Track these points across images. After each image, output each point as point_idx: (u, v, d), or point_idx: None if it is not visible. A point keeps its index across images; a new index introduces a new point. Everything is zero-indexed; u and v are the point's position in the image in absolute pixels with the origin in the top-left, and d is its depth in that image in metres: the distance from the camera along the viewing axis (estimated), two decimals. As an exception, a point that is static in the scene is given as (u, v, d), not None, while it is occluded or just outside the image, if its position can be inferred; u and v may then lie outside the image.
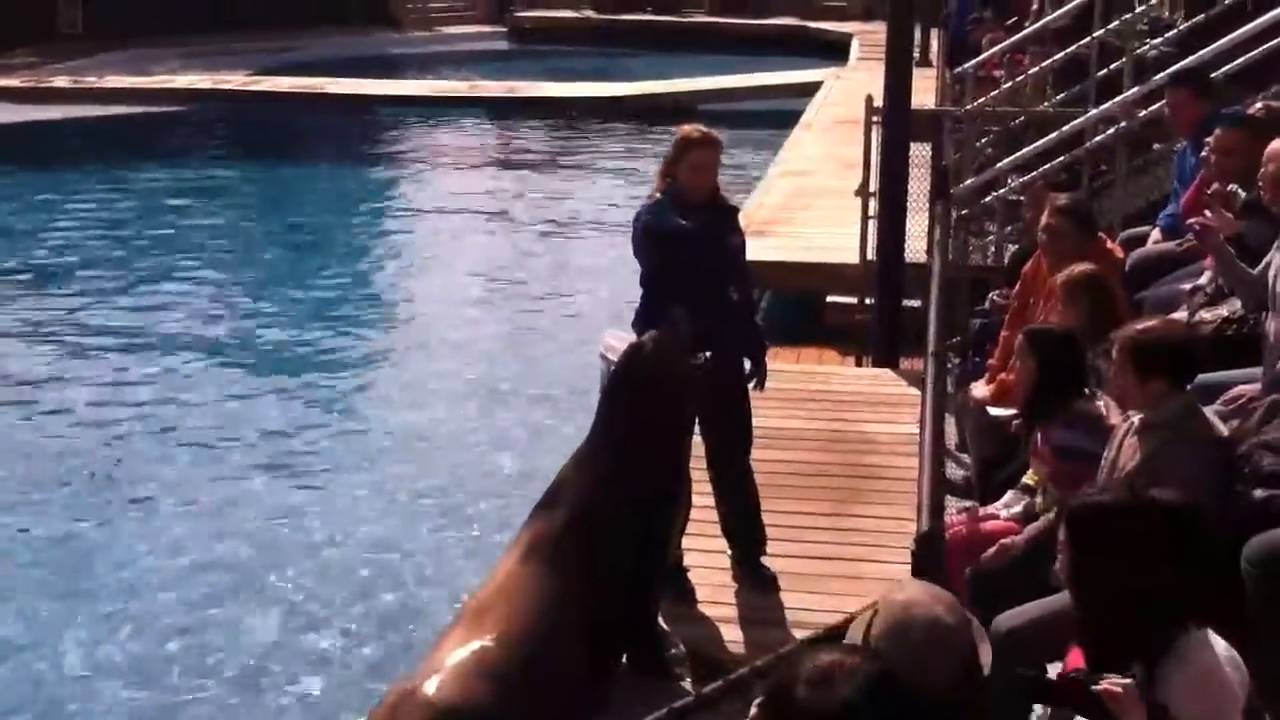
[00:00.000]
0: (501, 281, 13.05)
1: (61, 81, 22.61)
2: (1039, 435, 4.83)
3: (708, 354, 5.08)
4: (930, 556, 3.55)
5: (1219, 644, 3.05)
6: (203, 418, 9.58)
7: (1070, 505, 3.27)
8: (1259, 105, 6.80)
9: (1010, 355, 5.80)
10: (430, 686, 4.42)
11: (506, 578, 4.87)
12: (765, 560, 5.82)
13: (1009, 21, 13.20)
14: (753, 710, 2.51)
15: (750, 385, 5.77)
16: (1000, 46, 11.37)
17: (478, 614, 4.76)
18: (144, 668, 6.50)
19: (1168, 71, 7.89)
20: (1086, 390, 4.89)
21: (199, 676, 6.39)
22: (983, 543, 4.74)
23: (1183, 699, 2.98)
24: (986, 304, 7.35)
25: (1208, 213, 5.80)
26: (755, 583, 5.77)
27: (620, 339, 5.85)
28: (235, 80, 22.99)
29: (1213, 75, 7.69)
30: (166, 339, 11.41)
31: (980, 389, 6.24)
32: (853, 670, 2.38)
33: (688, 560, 5.69)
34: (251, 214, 16.30)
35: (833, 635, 3.27)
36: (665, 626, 5.37)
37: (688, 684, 4.95)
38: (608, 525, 4.89)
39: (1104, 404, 4.79)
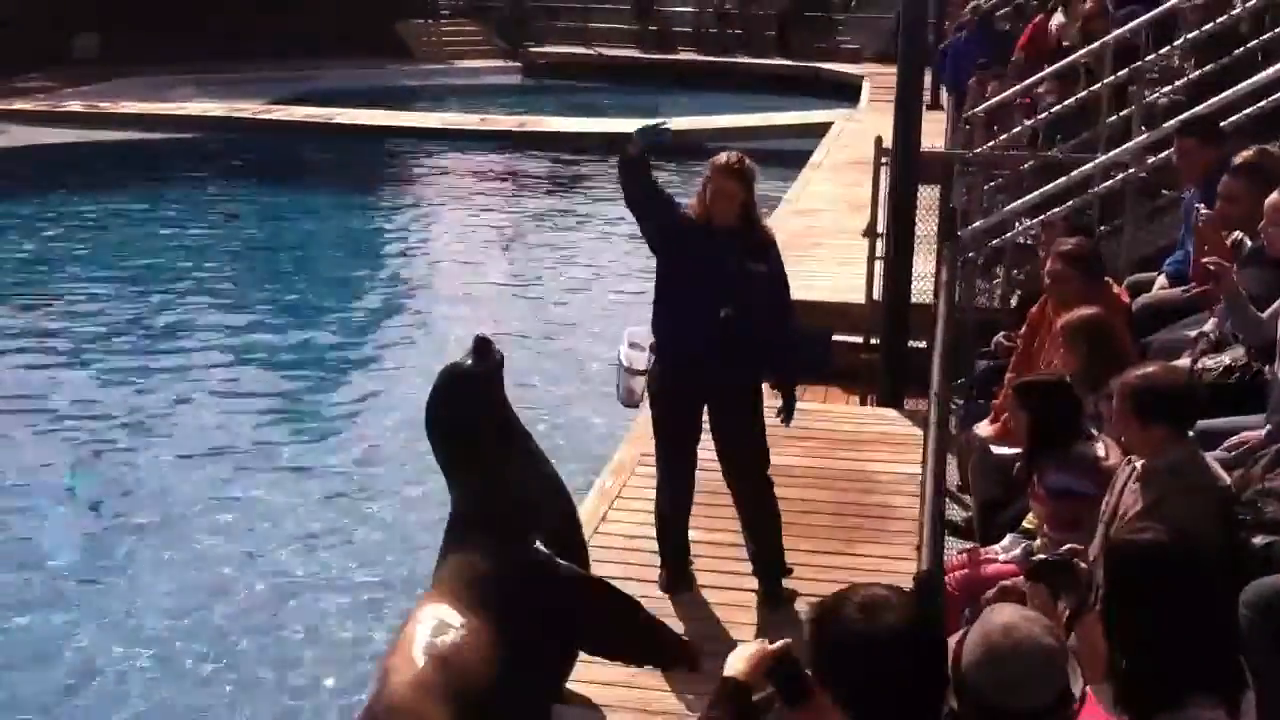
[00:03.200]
0: (507, 313, 13.08)
1: (75, 105, 22.74)
2: (1035, 478, 4.83)
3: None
4: (929, 596, 3.53)
5: None
6: (202, 442, 9.61)
7: (1112, 543, 3.21)
8: (1252, 151, 6.75)
9: None
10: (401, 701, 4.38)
11: (440, 592, 4.84)
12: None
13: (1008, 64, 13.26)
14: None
15: (778, 416, 5.96)
16: (1010, 91, 11.40)
17: (423, 625, 4.70)
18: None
19: (1177, 119, 7.90)
20: (1083, 433, 4.88)
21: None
22: (984, 585, 4.71)
23: None
24: (992, 346, 7.35)
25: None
26: (771, 604, 5.87)
27: (639, 337, 5.91)
28: (249, 109, 23.11)
29: (1222, 124, 7.70)
30: (175, 364, 11.45)
31: (985, 428, 6.23)
32: (899, 603, 2.50)
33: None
34: (261, 242, 16.34)
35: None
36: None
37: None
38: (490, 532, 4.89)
39: (1102, 445, 4.78)
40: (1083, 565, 3.33)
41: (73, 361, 11.42)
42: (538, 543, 5.06)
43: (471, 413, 5.04)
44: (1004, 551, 4.96)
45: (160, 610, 7.24)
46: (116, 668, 6.71)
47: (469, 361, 5.07)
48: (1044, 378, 5.24)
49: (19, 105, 22.56)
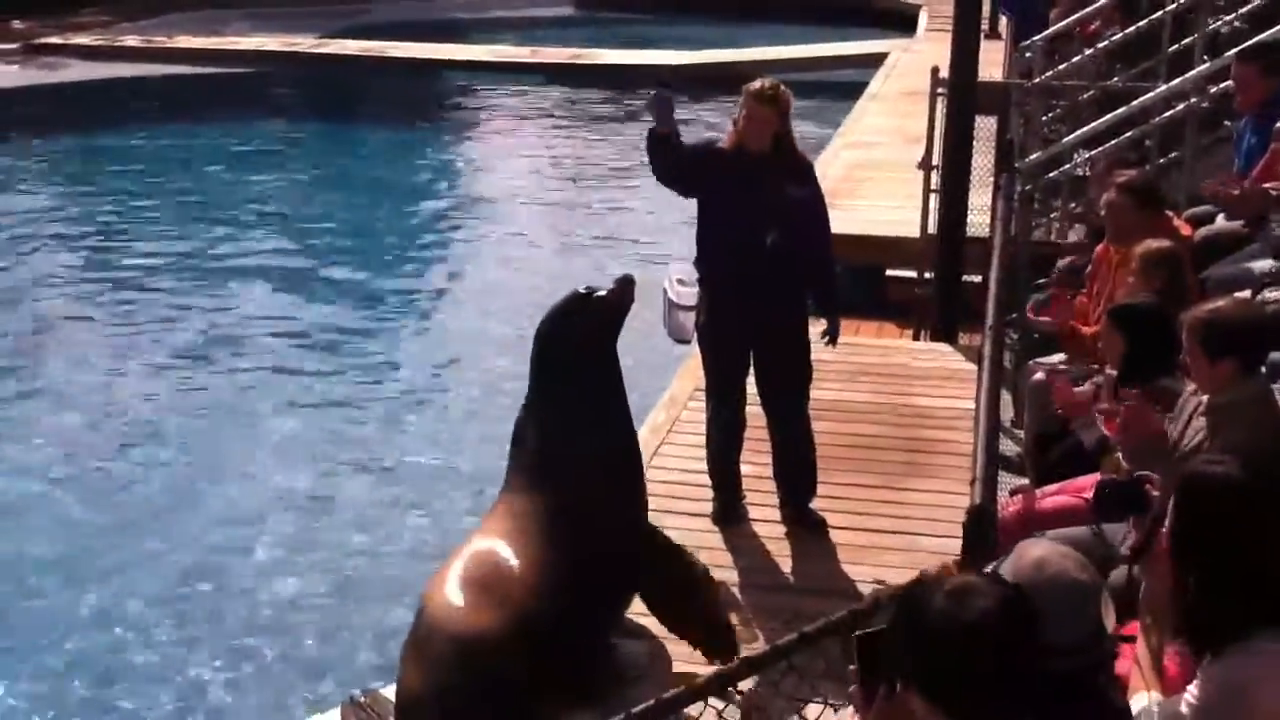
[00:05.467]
0: (560, 244, 13.09)
1: (132, 40, 22.83)
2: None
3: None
4: (981, 530, 3.52)
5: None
6: (254, 371, 9.78)
7: (1184, 474, 3.15)
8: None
9: (1086, 320, 5.88)
10: (448, 615, 4.45)
11: (500, 514, 4.91)
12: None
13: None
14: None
15: (822, 339, 5.99)
16: (1070, 19, 11.18)
17: (477, 547, 4.77)
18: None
19: (1239, 47, 7.74)
20: (1174, 368, 4.77)
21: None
22: (1040, 519, 4.70)
23: (1203, 694, 2.89)
24: (1054, 273, 7.24)
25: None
26: (803, 525, 5.89)
27: (683, 273, 5.92)
28: (303, 43, 23.12)
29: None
30: (230, 297, 11.56)
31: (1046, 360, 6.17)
32: (988, 589, 2.39)
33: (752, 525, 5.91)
34: (314, 175, 16.40)
35: (835, 628, 3.27)
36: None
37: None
38: (569, 456, 4.94)
39: (1191, 385, 4.70)
40: (1154, 493, 3.30)
41: (128, 295, 11.54)
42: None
43: (576, 339, 5.05)
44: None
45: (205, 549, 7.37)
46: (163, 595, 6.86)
47: (599, 292, 5.09)
48: (1143, 303, 5.11)
49: (77, 40, 22.70)
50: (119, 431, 8.78)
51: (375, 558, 7.18)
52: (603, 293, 5.11)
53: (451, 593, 4.52)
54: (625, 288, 5.12)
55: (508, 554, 4.67)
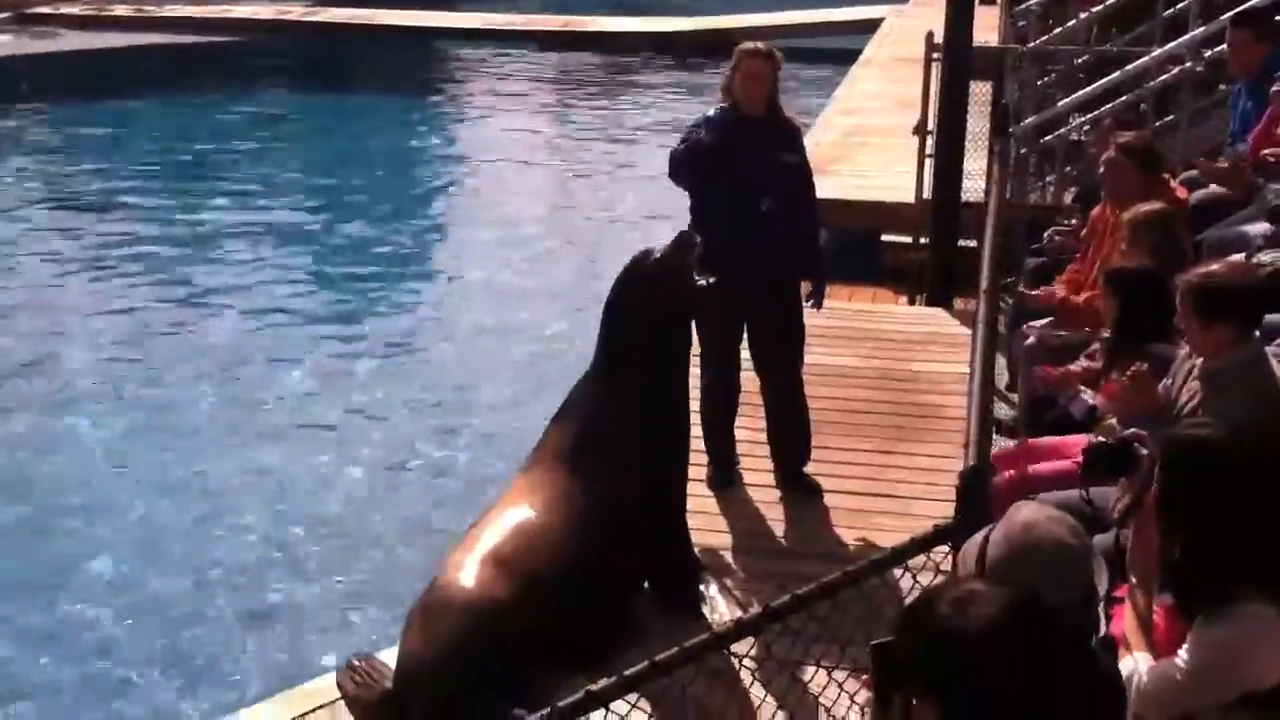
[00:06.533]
0: (552, 215, 13.07)
1: (123, 9, 22.74)
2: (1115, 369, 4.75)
3: (711, 278, 5.14)
4: (975, 492, 3.52)
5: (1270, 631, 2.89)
6: (248, 342, 9.73)
7: (1168, 437, 3.16)
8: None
9: (1078, 289, 5.86)
10: (458, 584, 4.45)
11: (525, 486, 4.90)
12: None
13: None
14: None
15: (807, 302, 5.95)
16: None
17: (497, 518, 4.76)
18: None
19: (1233, 12, 7.73)
20: (1169, 332, 4.77)
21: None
22: (1033, 484, 4.71)
23: (1194, 658, 2.92)
24: (1045, 239, 7.25)
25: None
26: (797, 490, 5.91)
27: None
28: (294, 11, 23.02)
29: (1277, 18, 7.53)
30: (219, 264, 11.54)
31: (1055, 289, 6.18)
32: (994, 593, 2.36)
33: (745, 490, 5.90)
34: (306, 143, 16.36)
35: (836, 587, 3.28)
36: (701, 560, 5.40)
37: (712, 620, 4.93)
38: (618, 432, 4.92)
39: (1186, 349, 4.71)
40: (1144, 451, 3.31)
41: (119, 266, 11.50)
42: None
43: (638, 304, 5.01)
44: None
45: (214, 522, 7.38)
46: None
47: (655, 254, 5.03)
48: (1139, 267, 5.10)
49: (66, 9, 22.60)
50: (108, 397, 8.76)
51: (391, 526, 7.17)
52: (658, 254, 5.05)
53: (467, 561, 4.50)
54: (681, 244, 5.04)
55: (533, 526, 4.65)
